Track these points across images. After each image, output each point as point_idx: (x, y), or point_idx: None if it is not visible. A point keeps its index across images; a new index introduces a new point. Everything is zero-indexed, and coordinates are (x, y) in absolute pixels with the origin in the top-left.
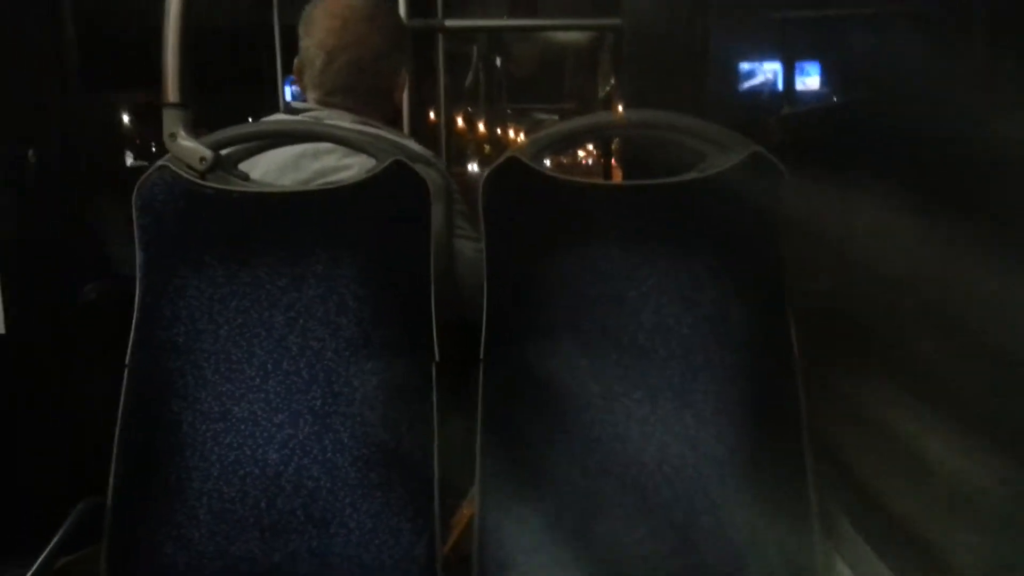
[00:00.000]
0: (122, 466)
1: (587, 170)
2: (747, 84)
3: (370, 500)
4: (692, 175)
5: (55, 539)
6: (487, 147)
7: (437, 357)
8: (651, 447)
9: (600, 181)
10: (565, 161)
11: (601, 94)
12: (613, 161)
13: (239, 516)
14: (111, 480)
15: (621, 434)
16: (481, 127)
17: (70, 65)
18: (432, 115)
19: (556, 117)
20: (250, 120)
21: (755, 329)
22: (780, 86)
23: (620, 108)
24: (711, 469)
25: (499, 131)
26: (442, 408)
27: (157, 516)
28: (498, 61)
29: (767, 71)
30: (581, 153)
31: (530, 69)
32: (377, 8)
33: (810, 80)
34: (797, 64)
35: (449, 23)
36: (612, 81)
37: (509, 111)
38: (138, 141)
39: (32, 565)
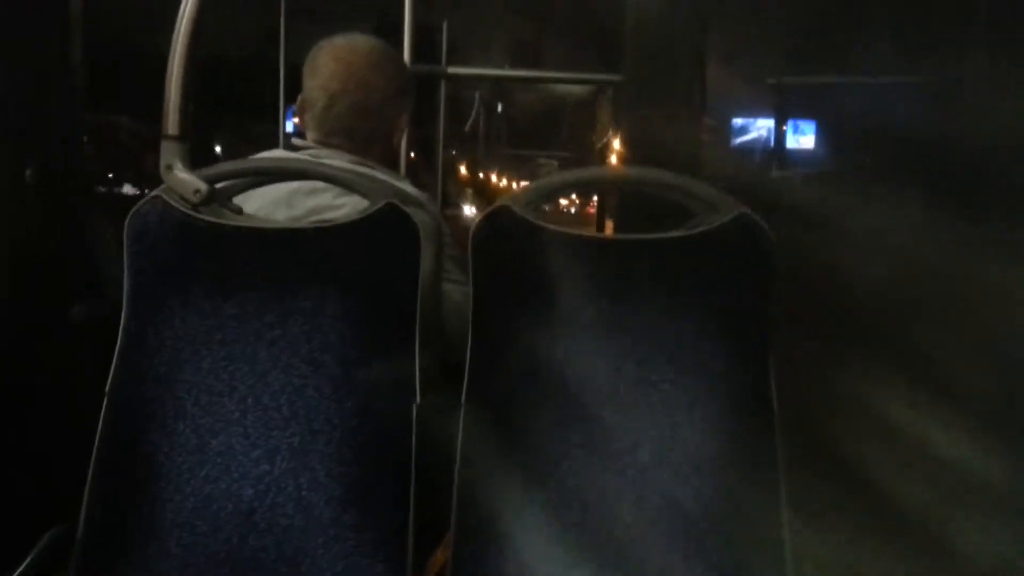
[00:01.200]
0: (95, 493)
1: (569, 219)
2: (739, 140)
3: (343, 541)
4: (680, 232)
5: (23, 565)
6: (469, 190)
7: (418, 399)
8: (627, 500)
9: (589, 233)
10: (547, 208)
11: (598, 144)
12: (592, 210)
13: (211, 551)
14: (83, 506)
15: (598, 486)
16: (463, 170)
17: (78, 83)
18: (412, 154)
19: (555, 163)
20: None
21: (737, 387)
22: (772, 143)
23: (613, 160)
24: (687, 526)
25: (482, 176)
26: (421, 450)
27: (127, 547)
28: (499, 107)
29: (760, 128)
30: (564, 201)
31: (531, 116)
32: (382, 54)
33: (804, 139)
34: (792, 122)
35: (452, 70)
36: (609, 132)
37: (510, 155)
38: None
39: None
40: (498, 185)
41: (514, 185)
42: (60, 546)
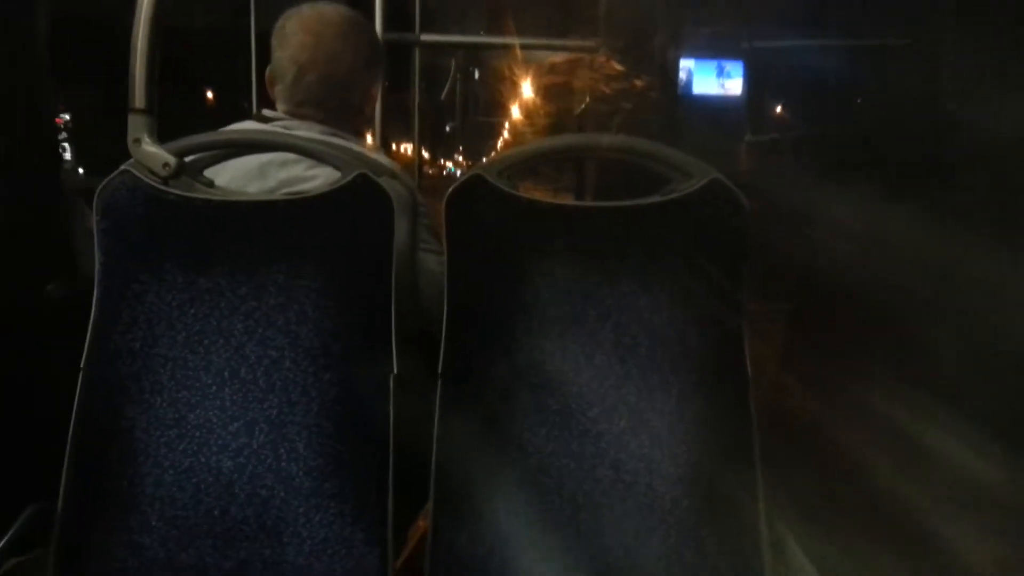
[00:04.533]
0: (74, 469)
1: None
2: None
3: (323, 510)
4: (654, 199)
5: (3, 542)
6: None
7: (396, 370)
8: (605, 465)
9: (562, 201)
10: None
11: (576, 112)
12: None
13: (191, 523)
14: (62, 483)
15: (576, 451)
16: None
17: (42, 57)
18: None
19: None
20: None
21: (711, 351)
22: (693, 88)
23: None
24: (664, 488)
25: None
26: (400, 421)
27: (108, 521)
28: (476, 73)
29: (680, 69)
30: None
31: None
32: (351, 23)
33: (731, 83)
34: (716, 62)
35: (425, 37)
36: (587, 99)
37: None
38: None
39: None
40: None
41: None
42: (40, 523)
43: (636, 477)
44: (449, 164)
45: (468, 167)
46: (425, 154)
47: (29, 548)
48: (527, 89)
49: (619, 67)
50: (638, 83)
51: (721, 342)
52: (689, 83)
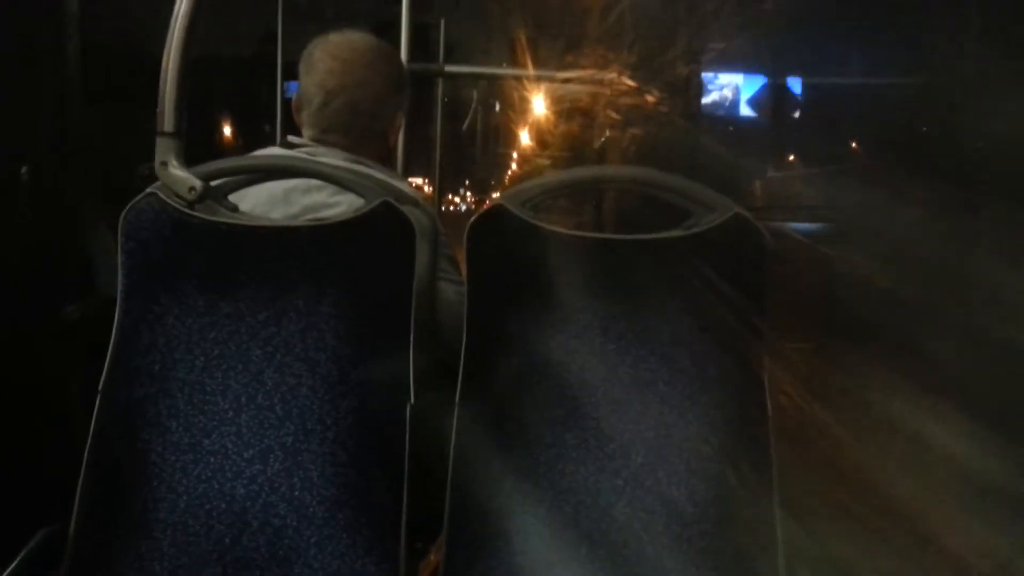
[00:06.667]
0: (87, 492)
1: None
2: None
3: (336, 541)
4: (676, 232)
5: (12, 565)
6: None
7: (413, 399)
8: (622, 501)
9: (585, 233)
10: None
11: (596, 144)
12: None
13: (203, 550)
14: (75, 506)
15: (592, 487)
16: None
17: (73, 79)
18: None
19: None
20: None
21: (731, 388)
22: (740, 108)
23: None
24: (681, 527)
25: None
26: (416, 450)
27: (119, 546)
28: (497, 106)
29: (725, 86)
30: (457, 198)
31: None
32: (378, 51)
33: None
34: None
35: (449, 68)
36: (607, 133)
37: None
38: None
39: None
40: None
41: None
42: (51, 546)
43: (653, 515)
44: (456, 199)
45: (474, 202)
46: (427, 189)
47: (40, 572)
48: (539, 105)
49: (631, 83)
50: (650, 99)
51: (742, 377)
52: (736, 102)
